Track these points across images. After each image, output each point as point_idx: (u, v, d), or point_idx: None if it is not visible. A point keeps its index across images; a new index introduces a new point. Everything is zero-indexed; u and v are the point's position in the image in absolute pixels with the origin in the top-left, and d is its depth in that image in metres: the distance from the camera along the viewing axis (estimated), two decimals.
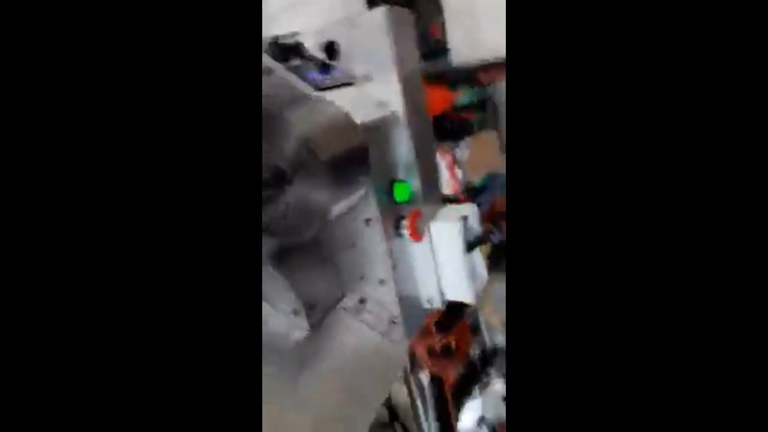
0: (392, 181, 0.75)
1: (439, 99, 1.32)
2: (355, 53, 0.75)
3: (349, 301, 0.76)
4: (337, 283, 0.75)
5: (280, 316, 0.73)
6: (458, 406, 1.45)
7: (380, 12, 0.70)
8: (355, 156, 0.63)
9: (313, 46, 0.77)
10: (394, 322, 0.75)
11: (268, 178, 0.58)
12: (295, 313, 0.70)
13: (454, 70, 1.59)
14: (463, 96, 1.51)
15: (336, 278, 0.75)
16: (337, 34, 0.76)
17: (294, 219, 0.60)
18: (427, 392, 1.45)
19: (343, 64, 0.76)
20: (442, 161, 1.39)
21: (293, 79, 0.66)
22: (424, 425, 1.48)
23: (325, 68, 0.74)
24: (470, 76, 1.56)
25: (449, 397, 1.47)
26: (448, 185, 1.39)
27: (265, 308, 0.75)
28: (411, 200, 0.75)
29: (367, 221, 0.70)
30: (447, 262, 0.80)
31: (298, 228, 0.61)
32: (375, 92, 0.75)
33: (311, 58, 0.74)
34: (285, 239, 0.64)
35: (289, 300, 0.70)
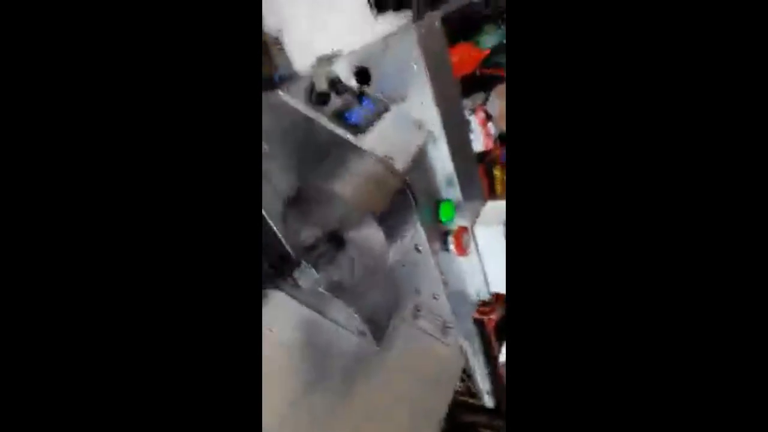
0: (437, 202, 0.77)
1: (467, 59, 1.25)
2: (388, 75, 0.73)
3: (405, 310, 0.83)
4: (393, 296, 0.82)
5: (346, 334, 0.81)
6: (500, 342, 1.62)
7: (410, 31, 0.67)
8: (399, 201, 0.66)
9: (344, 70, 0.75)
10: (448, 327, 0.83)
11: (323, 243, 0.62)
12: (361, 333, 0.79)
13: (477, 6, 1.47)
14: (491, 38, 1.42)
15: (392, 292, 0.81)
16: (368, 57, 0.73)
17: (360, 272, 0.66)
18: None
19: (376, 86, 0.75)
20: (475, 119, 1.35)
21: (333, 127, 0.66)
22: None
23: (361, 97, 0.73)
24: (496, 11, 1.45)
25: (492, 336, 1.62)
26: (480, 142, 1.37)
27: (325, 321, 0.84)
28: (455, 217, 0.78)
29: (417, 248, 0.74)
30: (491, 260, 0.85)
31: (365, 278, 0.66)
32: (411, 112, 0.74)
33: (346, 89, 0.72)
34: (356, 288, 0.69)
35: (352, 321, 0.78)
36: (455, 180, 0.78)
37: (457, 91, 0.80)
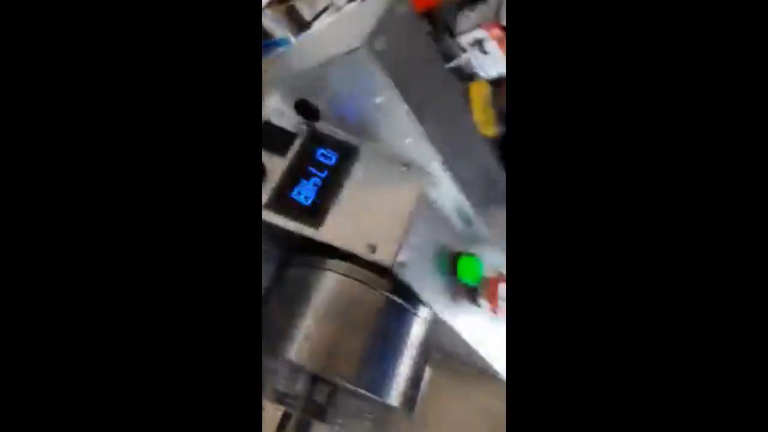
0: (456, 257, 0.56)
1: None
2: (344, 103, 0.48)
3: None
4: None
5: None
6: None
7: (360, 53, 0.40)
8: (390, 315, 0.46)
9: (281, 99, 0.50)
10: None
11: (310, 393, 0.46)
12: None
13: None
14: None
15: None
16: (306, 89, 0.47)
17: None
18: None
19: (331, 117, 0.49)
20: (488, 37, 1.02)
21: (276, 221, 0.45)
22: None
23: (313, 141, 0.49)
24: None
25: None
26: (501, 64, 1.05)
27: None
28: (482, 273, 0.56)
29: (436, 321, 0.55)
30: None
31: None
32: (393, 149, 0.50)
33: (287, 139, 0.48)
34: None
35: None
36: (471, 214, 0.56)
37: (456, 88, 0.54)
